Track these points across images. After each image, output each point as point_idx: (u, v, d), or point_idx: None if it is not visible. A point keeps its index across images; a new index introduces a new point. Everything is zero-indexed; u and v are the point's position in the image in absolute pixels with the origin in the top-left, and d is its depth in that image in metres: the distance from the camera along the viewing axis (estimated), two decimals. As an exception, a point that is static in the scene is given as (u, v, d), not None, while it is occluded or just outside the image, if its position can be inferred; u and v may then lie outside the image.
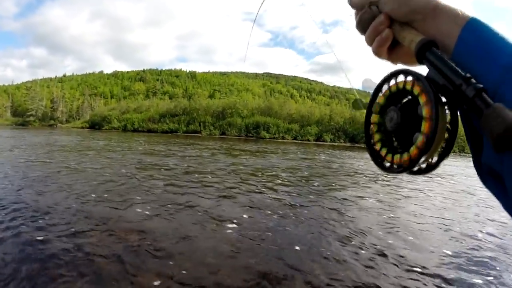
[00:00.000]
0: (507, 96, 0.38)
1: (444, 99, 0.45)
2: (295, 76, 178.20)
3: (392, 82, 0.52)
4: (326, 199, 7.38)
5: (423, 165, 0.48)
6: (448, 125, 0.45)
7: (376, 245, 4.60)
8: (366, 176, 12.04)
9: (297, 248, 4.30)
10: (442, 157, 0.47)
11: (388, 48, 0.55)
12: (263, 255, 4.02)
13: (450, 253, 4.50)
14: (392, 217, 6.22)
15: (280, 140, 49.15)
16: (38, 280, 3.12)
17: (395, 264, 3.98)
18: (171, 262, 3.65)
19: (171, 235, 4.48)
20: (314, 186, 9.09)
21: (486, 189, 0.45)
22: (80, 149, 16.90)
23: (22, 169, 9.20)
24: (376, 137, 0.54)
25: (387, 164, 0.52)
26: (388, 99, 0.53)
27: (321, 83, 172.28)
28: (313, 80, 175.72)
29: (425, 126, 0.43)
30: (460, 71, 0.41)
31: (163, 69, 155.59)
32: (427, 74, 0.46)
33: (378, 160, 0.54)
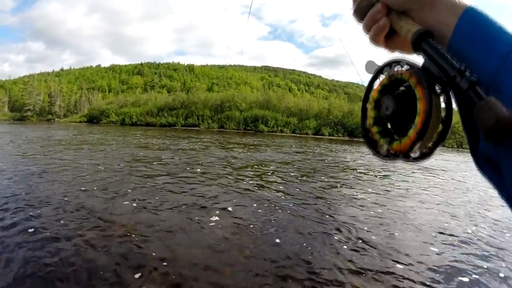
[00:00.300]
0: (504, 87, 0.38)
1: (439, 90, 0.45)
2: (293, 70, 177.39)
3: (389, 70, 0.52)
4: (319, 193, 7.44)
5: (416, 154, 0.49)
6: (442, 115, 0.46)
7: (362, 239, 4.66)
8: (360, 171, 12.10)
9: (278, 240, 4.36)
10: (435, 145, 0.48)
11: (386, 36, 0.55)
12: (250, 247, 4.09)
13: (437, 250, 4.55)
14: (381, 212, 6.28)
15: (278, 134, 49.19)
16: (28, 278, 3.17)
17: (381, 258, 4.03)
18: (154, 254, 3.72)
19: (160, 228, 4.54)
20: (308, 180, 9.14)
21: (480, 187, 0.50)
22: (77, 143, 16.92)
23: (15, 164, 9.26)
24: (372, 124, 0.55)
25: (381, 151, 0.53)
26: (385, 88, 0.53)
27: (320, 76, 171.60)
28: (311, 74, 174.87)
29: (418, 120, 0.44)
30: (455, 62, 0.42)
31: (161, 62, 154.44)
32: (423, 64, 0.47)
33: (372, 146, 0.55)
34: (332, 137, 49.05)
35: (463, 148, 46.51)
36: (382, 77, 0.54)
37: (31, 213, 4.86)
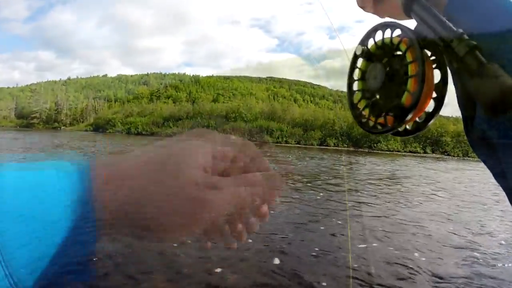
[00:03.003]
0: (505, 58, 0.34)
1: (433, 57, 0.42)
2: (298, 80, 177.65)
3: (379, 36, 0.47)
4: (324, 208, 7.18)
5: (409, 126, 0.45)
6: (437, 84, 0.42)
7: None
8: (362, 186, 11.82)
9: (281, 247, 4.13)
10: (430, 117, 0.44)
11: (374, 0, 0.51)
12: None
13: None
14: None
15: (283, 145, 48.98)
16: None
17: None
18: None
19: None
20: (309, 192, 8.89)
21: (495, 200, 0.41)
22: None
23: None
24: (359, 96, 0.51)
25: (371, 124, 0.49)
26: (373, 55, 0.48)
27: (325, 87, 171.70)
28: (316, 85, 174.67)
29: (411, 84, 0.40)
30: (451, 26, 0.37)
31: (167, 73, 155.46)
32: (415, 28, 0.43)
33: (360, 120, 0.51)
34: (337, 148, 48.76)
35: (468, 156, 45.61)
36: (370, 45, 0.48)
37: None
